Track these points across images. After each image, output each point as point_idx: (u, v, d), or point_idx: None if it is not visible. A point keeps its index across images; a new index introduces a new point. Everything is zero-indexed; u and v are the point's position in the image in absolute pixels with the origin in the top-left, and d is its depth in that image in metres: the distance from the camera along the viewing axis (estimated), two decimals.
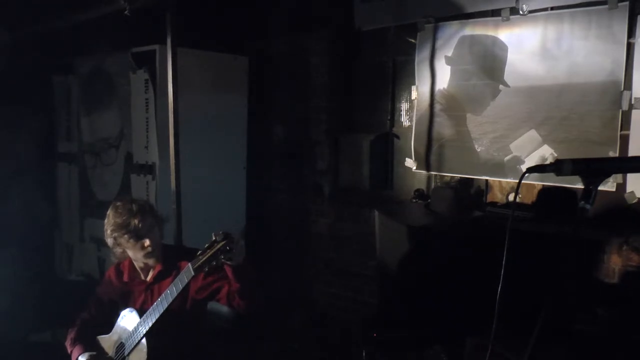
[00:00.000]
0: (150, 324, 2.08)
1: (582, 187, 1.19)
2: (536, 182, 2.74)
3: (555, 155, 2.64)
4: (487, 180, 2.98)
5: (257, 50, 4.07)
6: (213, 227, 2.03)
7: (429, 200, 3.12)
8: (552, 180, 2.65)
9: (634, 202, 2.43)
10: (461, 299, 2.48)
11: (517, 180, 2.78)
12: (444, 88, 3.09)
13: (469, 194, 3.05)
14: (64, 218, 4.76)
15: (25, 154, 4.64)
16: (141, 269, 2.34)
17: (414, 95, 3.25)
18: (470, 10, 2.94)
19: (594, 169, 1.20)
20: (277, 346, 3.41)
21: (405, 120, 3.40)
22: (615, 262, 2.47)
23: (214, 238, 1.91)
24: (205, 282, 2.14)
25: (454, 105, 3.05)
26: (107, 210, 2.29)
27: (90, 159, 4.34)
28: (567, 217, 2.59)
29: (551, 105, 2.66)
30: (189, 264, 1.96)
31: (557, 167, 1.19)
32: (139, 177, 3.75)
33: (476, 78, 2.95)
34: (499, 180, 2.94)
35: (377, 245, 3.11)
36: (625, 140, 2.46)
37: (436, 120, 3.13)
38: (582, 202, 1.18)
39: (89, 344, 2.33)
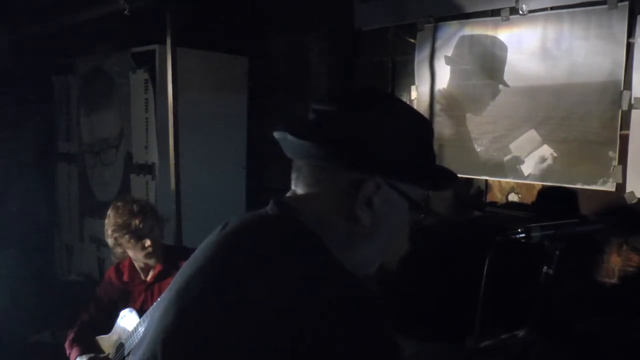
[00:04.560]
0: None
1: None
2: (536, 182, 2.74)
3: (555, 155, 2.64)
4: (486, 180, 2.98)
5: (257, 50, 4.07)
6: (213, 227, 2.03)
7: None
8: (552, 180, 2.66)
9: (633, 202, 2.43)
10: (461, 299, 2.48)
11: (517, 180, 2.80)
12: (443, 88, 3.10)
13: (468, 194, 3.05)
14: (64, 218, 4.76)
15: (25, 154, 4.65)
16: (141, 269, 2.34)
17: (413, 95, 3.25)
18: (469, 10, 2.94)
19: (560, 234, 1.22)
20: None
21: None
22: (615, 262, 2.47)
23: None
24: None
25: (454, 105, 3.06)
26: (107, 211, 2.30)
27: (90, 159, 4.34)
28: (567, 217, 2.59)
29: (551, 105, 2.66)
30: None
31: (527, 234, 1.22)
32: (139, 177, 3.75)
33: (476, 78, 2.95)
34: (499, 180, 2.94)
35: None
36: (624, 140, 2.46)
37: (436, 120, 3.13)
38: (546, 267, 1.21)
39: (88, 345, 2.32)
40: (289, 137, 0.95)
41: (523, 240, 1.22)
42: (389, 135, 0.92)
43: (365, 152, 0.89)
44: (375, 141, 0.90)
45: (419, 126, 0.98)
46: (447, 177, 1.01)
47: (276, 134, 0.98)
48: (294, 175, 0.98)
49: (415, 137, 0.95)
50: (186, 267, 0.94)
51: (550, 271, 1.19)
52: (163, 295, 0.91)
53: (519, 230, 1.23)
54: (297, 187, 0.96)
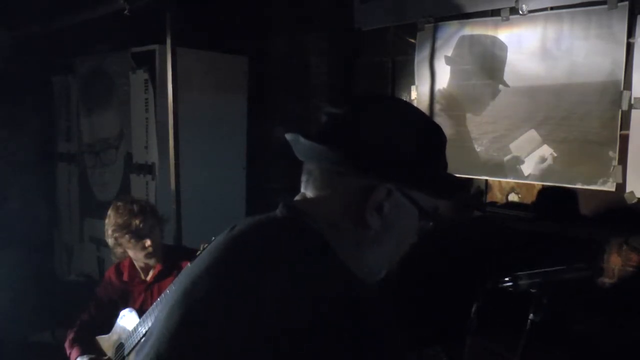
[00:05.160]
0: (150, 324, 2.08)
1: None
2: (536, 182, 2.74)
3: (555, 155, 2.64)
4: (486, 180, 2.99)
5: (257, 50, 4.07)
6: (213, 227, 2.03)
7: None
8: (552, 180, 2.66)
9: (633, 202, 2.43)
10: (461, 298, 2.48)
11: (517, 180, 2.80)
12: (443, 88, 3.10)
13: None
14: (64, 218, 4.76)
15: (25, 154, 4.65)
16: (141, 268, 2.34)
17: (413, 95, 3.25)
18: (469, 10, 2.94)
19: (548, 282, 1.23)
20: None
21: None
22: (615, 262, 2.47)
23: (213, 239, 1.91)
24: None
25: (454, 105, 3.06)
26: (107, 211, 2.30)
27: (90, 159, 4.35)
28: (567, 217, 2.59)
29: (551, 105, 2.66)
30: (189, 264, 1.96)
31: (514, 282, 1.23)
32: (139, 177, 3.75)
33: (476, 78, 2.95)
34: (499, 180, 2.95)
35: None
36: (624, 140, 2.46)
37: (436, 120, 3.13)
38: (532, 314, 1.20)
39: (88, 345, 2.32)
40: (302, 139, 0.93)
41: (510, 289, 1.22)
42: (402, 142, 0.92)
43: (377, 157, 0.89)
44: (388, 147, 0.90)
45: (433, 134, 0.98)
46: (456, 186, 1.01)
47: (288, 136, 0.97)
48: (304, 178, 0.96)
49: (429, 145, 0.95)
50: (192, 268, 0.94)
51: (537, 319, 1.19)
52: (167, 295, 0.91)
53: (507, 279, 1.23)
54: (307, 190, 0.96)
